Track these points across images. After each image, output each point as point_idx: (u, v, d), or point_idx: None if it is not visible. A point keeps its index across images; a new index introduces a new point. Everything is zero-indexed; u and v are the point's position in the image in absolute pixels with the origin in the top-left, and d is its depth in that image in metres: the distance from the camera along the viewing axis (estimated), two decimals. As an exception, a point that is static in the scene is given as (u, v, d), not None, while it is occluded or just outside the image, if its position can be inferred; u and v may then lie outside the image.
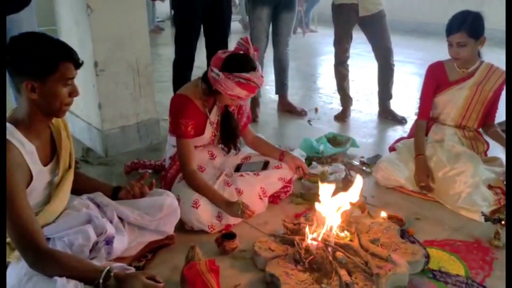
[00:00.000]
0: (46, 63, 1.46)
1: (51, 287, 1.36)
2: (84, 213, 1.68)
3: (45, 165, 1.61)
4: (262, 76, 2.10)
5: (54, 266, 1.40)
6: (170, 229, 1.92)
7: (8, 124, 1.51)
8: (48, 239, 1.58)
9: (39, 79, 1.47)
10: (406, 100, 4.07)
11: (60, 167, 1.66)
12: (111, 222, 1.73)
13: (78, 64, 1.54)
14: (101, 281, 1.38)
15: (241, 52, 2.12)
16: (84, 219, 1.66)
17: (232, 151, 2.41)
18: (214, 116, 2.28)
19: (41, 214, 1.60)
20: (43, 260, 1.41)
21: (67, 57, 1.50)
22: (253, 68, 2.06)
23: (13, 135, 1.50)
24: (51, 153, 1.66)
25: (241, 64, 2.05)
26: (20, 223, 1.42)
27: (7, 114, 1.59)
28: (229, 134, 2.33)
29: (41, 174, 1.59)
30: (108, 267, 1.41)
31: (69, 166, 1.72)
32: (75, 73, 1.54)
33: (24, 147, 1.51)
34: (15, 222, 1.42)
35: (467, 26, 2.30)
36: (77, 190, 1.79)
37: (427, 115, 2.58)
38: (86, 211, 1.69)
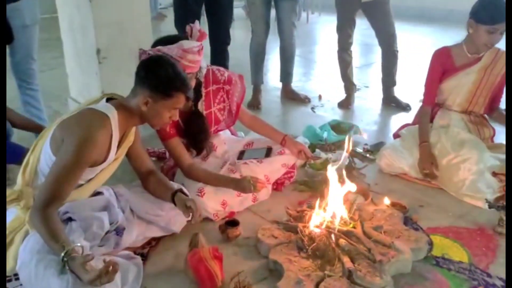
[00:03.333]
0: (167, 89, 1.67)
1: (54, 276, 1.40)
2: (104, 198, 1.76)
3: None
4: (187, 50, 1.94)
5: (40, 225, 1.46)
6: (178, 228, 1.94)
7: (112, 106, 1.67)
8: (68, 221, 1.64)
9: (154, 98, 1.67)
10: (411, 86, 4.03)
11: (114, 157, 1.76)
12: (123, 212, 1.77)
13: (188, 98, 1.75)
14: (62, 258, 1.38)
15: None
16: (103, 204, 1.74)
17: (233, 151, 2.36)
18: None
19: (78, 190, 1.70)
20: (38, 216, 1.48)
21: (184, 91, 1.71)
22: (172, 42, 1.96)
23: (114, 117, 1.66)
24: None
25: (157, 41, 2.01)
26: (57, 186, 1.53)
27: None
28: (195, 135, 2.20)
29: (109, 160, 1.72)
30: (65, 250, 1.37)
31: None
32: (182, 104, 1.75)
33: (115, 132, 1.68)
34: (55, 182, 1.53)
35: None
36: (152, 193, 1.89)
37: (433, 102, 2.56)
38: (107, 196, 1.77)
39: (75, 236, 1.56)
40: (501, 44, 2.47)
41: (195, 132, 2.20)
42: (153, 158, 2.66)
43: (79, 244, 1.44)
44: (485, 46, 2.38)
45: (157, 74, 1.66)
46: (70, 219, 1.65)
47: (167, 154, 2.38)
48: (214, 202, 2.05)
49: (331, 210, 1.87)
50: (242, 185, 2.02)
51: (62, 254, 1.37)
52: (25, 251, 1.51)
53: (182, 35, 2.98)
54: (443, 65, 2.50)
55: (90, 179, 1.75)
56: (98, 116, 1.63)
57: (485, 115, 2.56)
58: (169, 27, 7.06)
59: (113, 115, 1.65)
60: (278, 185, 2.35)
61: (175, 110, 1.74)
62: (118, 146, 1.76)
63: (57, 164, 1.56)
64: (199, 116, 2.21)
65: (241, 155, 2.36)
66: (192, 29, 2.03)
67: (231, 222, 1.96)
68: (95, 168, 1.70)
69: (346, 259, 1.69)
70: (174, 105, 1.71)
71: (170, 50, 1.93)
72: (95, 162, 1.66)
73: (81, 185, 1.73)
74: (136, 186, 1.95)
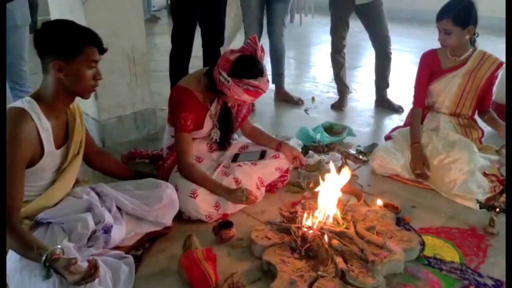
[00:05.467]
0: (73, 44, 1.58)
1: (39, 281, 1.40)
2: (85, 200, 1.72)
3: (57, 148, 1.67)
4: (268, 81, 2.10)
5: (9, 242, 1.45)
6: (168, 221, 1.94)
7: (29, 98, 1.60)
8: (49, 223, 1.62)
9: (65, 59, 1.57)
10: (403, 89, 4.06)
11: (70, 152, 1.72)
12: (109, 211, 1.76)
13: (102, 49, 1.66)
14: (44, 263, 1.38)
15: (248, 53, 2.08)
16: (85, 206, 1.71)
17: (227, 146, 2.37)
18: (214, 110, 2.25)
19: (44, 195, 1.65)
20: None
21: (92, 40, 1.62)
22: (261, 73, 2.03)
23: (33, 108, 1.58)
24: (64, 138, 1.72)
25: (250, 69, 2.02)
26: (6, 197, 1.47)
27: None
28: (226, 130, 2.30)
29: (52, 154, 1.65)
30: (45, 256, 1.38)
31: (78, 153, 1.77)
32: (99, 57, 1.65)
33: (41, 123, 1.59)
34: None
35: (453, 13, 2.29)
36: (105, 171, 2.01)
37: (422, 103, 2.58)
38: (87, 198, 1.73)
39: (58, 239, 1.55)
40: (490, 48, 2.51)
41: (226, 127, 2.28)
42: (146, 160, 2.66)
43: (59, 247, 1.43)
44: (442, 47, 2.43)
45: (59, 34, 1.58)
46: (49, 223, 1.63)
47: (164, 153, 2.38)
48: (207, 204, 2.06)
49: (324, 211, 1.88)
50: (234, 195, 2.03)
51: (43, 260, 1.37)
52: (10, 260, 1.51)
53: (180, 41, 2.96)
54: (430, 67, 2.52)
55: (54, 181, 1.70)
56: (12, 113, 1.54)
57: (474, 117, 2.58)
58: (163, 30, 7.08)
59: (31, 105, 1.57)
60: (271, 187, 2.36)
61: (95, 67, 1.65)
62: (67, 138, 1.71)
63: None
64: (229, 111, 2.26)
65: (235, 158, 2.36)
66: (256, 40, 2.08)
67: (225, 224, 1.97)
68: (41, 165, 1.61)
69: (339, 260, 1.71)
70: (89, 58, 1.61)
71: (266, 86, 2.07)
72: (33, 159, 1.58)
73: (48, 187, 1.68)
74: (120, 184, 1.94)
